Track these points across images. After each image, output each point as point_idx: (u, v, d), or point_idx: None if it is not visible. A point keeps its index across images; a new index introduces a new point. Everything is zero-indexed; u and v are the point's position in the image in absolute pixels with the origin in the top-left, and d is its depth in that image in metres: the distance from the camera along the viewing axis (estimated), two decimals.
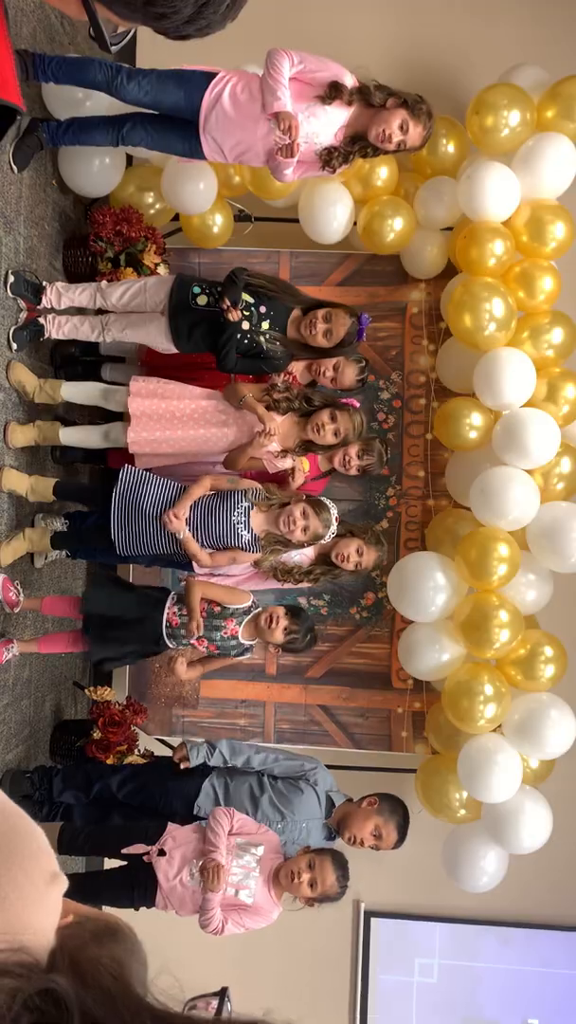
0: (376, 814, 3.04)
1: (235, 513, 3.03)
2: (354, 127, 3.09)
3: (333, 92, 3.00)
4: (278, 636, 3.02)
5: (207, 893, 2.76)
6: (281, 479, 3.28)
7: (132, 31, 0.97)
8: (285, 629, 3.02)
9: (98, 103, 3.34)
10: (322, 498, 3.13)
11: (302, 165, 3.14)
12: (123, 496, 3.07)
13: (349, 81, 3.03)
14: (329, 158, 3.10)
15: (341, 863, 2.84)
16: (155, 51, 3.97)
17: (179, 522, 2.99)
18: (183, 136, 3.12)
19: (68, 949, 0.66)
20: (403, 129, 3.05)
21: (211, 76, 3.04)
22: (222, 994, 2.30)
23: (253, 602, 3.11)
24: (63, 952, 0.64)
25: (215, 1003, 2.25)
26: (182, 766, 3.17)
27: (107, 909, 2.79)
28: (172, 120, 3.14)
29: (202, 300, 3.20)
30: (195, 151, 3.14)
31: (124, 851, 3.00)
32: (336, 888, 2.81)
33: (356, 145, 3.11)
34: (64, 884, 0.76)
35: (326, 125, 3.05)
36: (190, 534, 3.03)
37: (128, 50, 4.23)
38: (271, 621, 3.01)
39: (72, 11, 0.92)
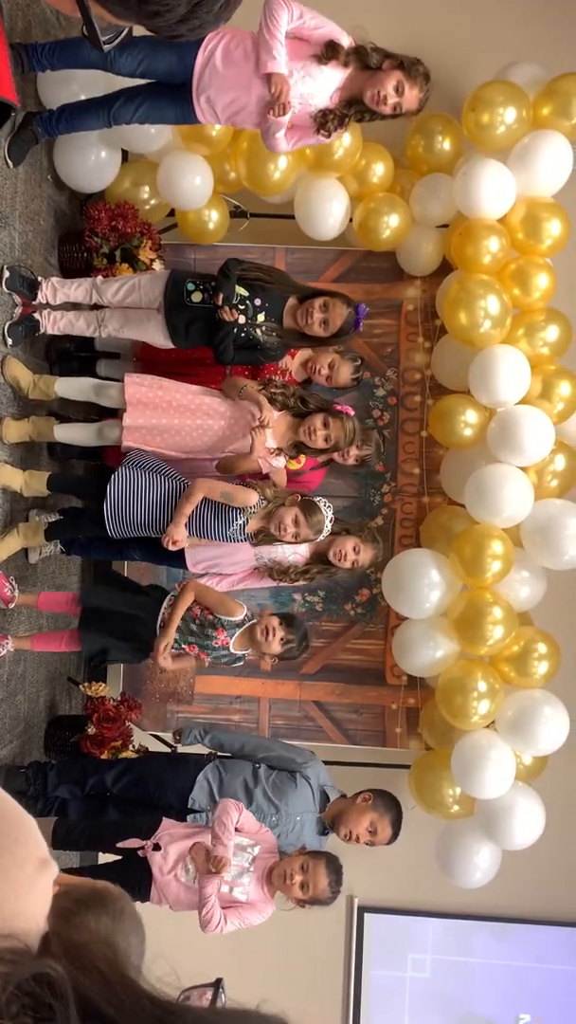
0: (371, 810, 3.06)
1: (231, 528, 3.05)
2: (349, 89, 3.01)
3: (329, 52, 2.92)
4: (275, 647, 3.03)
5: (204, 878, 2.75)
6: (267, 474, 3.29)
7: (125, 29, 0.97)
8: (282, 639, 3.02)
9: (93, 89, 3.31)
10: (316, 499, 3.12)
11: (296, 131, 3.06)
12: (115, 498, 3.07)
13: (346, 41, 2.96)
14: (324, 120, 3.01)
15: (335, 868, 2.84)
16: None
17: (181, 543, 3.01)
18: (175, 101, 3.06)
19: (62, 934, 0.67)
20: (399, 91, 2.97)
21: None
22: (216, 985, 2.31)
23: (246, 615, 3.11)
24: (57, 938, 0.65)
25: (209, 994, 2.26)
26: (179, 749, 3.19)
27: None
28: (162, 87, 3.07)
29: (196, 297, 3.18)
30: (188, 115, 3.07)
31: (119, 845, 3.01)
32: (328, 893, 2.81)
33: (352, 108, 3.03)
34: (55, 871, 0.76)
35: (321, 86, 2.98)
36: (187, 539, 3.05)
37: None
38: (267, 634, 3.02)
39: (66, 8, 0.92)
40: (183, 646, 3.08)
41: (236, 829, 2.88)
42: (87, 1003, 0.58)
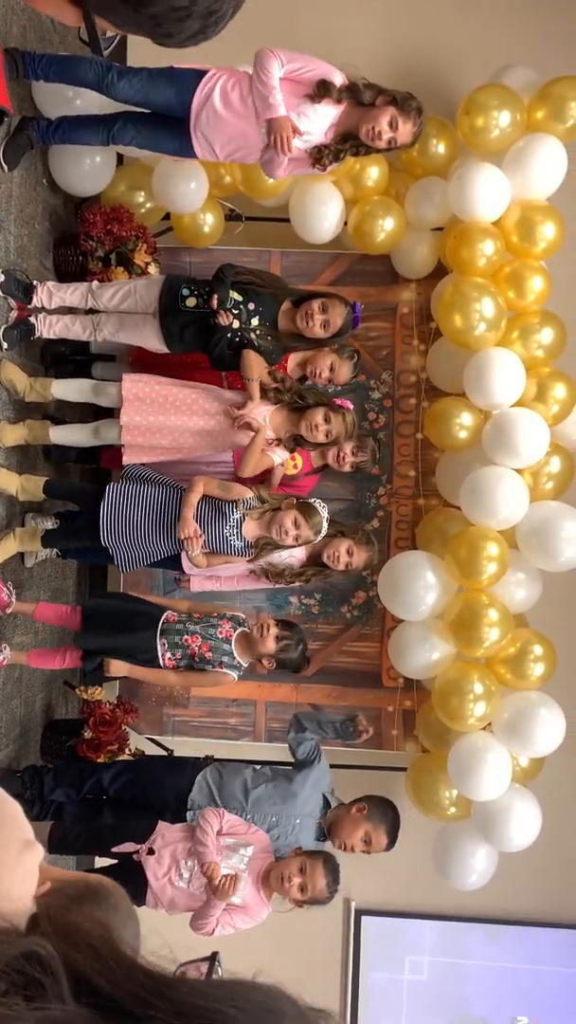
0: (365, 820, 3.05)
1: (227, 527, 3.05)
2: (344, 125, 3.08)
3: (322, 91, 2.98)
4: (270, 644, 3.03)
5: (212, 899, 2.75)
6: (266, 474, 3.29)
7: (117, 36, 0.99)
8: (276, 636, 3.03)
9: (89, 102, 3.34)
10: (312, 501, 3.14)
11: (292, 162, 3.12)
12: (111, 518, 3.08)
13: (338, 79, 3.02)
14: (320, 156, 3.09)
15: (333, 868, 2.84)
16: (146, 49, 3.98)
17: (199, 540, 3.00)
18: (174, 134, 3.12)
19: (51, 914, 0.67)
20: (392, 126, 3.03)
21: (202, 74, 3.03)
22: (212, 958, 2.33)
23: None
24: (47, 917, 0.65)
25: (205, 967, 2.28)
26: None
27: None
28: (163, 118, 3.14)
29: (191, 302, 3.20)
30: (186, 149, 3.14)
31: (114, 850, 3.00)
32: (326, 893, 2.82)
33: (347, 143, 3.09)
34: (40, 852, 0.77)
35: (316, 124, 3.04)
36: (201, 552, 3.05)
37: (119, 48, 4.22)
38: (262, 630, 3.03)
39: (70, 20, 0.93)
40: (185, 637, 3.07)
41: (225, 833, 2.88)
42: (80, 978, 0.59)
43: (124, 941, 0.67)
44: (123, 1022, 0.59)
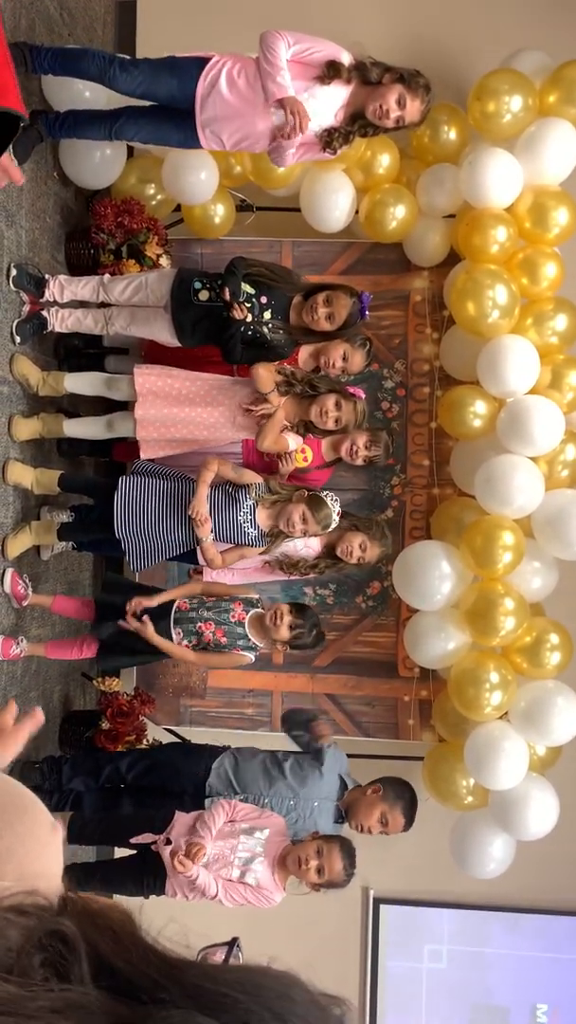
0: (381, 801, 3.06)
1: (240, 513, 3.06)
2: (353, 106, 3.03)
3: (331, 71, 2.93)
4: (283, 633, 3.04)
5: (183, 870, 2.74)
6: (273, 465, 3.29)
7: None
8: (290, 625, 3.03)
9: (98, 96, 3.34)
10: (323, 493, 3.13)
11: (302, 147, 3.08)
12: (125, 512, 3.09)
13: (346, 59, 2.97)
14: (330, 139, 3.05)
15: (349, 851, 2.85)
16: (153, 41, 3.97)
17: (208, 523, 3.01)
18: (178, 126, 3.09)
19: (78, 900, 0.69)
20: (400, 104, 2.98)
21: (204, 62, 2.98)
22: (231, 944, 2.35)
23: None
24: (74, 902, 0.67)
25: (222, 952, 2.30)
26: None
27: (118, 898, 2.81)
28: (167, 111, 3.11)
29: (203, 295, 3.19)
30: (191, 141, 3.10)
31: (132, 841, 3.02)
32: (342, 876, 2.83)
33: (356, 124, 3.05)
34: (61, 832, 0.80)
35: (325, 105, 2.99)
36: (212, 539, 3.04)
37: (128, 40, 4.21)
38: (276, 618, 3.03)
39: None
40: (199, 624, 3.09)
41: (235, 820, 2.89)
42: (99, 959, 0.61)
43: (143, 927, 0.69)
44: (135, 1004, 0.60)
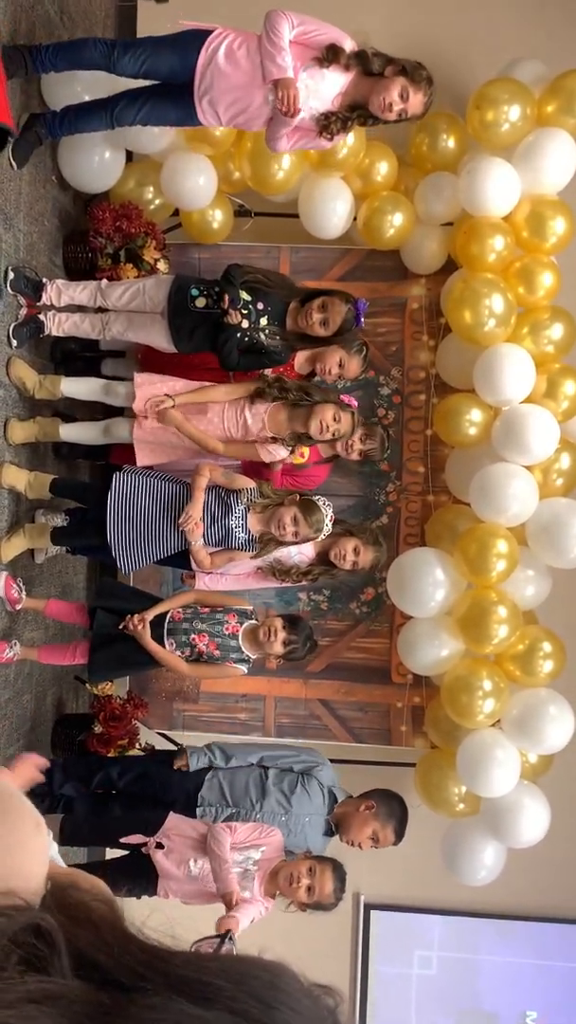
0: (374, 819, 3.06)
1: (231, 518, 3.06)
2: (352, 95, 3.00)
3: (331, 55, 2.90)
4: (278, 648, 3.04)
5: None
6: (266, 470, 3.30)
7: None
8: (284, 641, 3.03)
9: (96, 92, 3.31)
10: (315, 498, 3.12)
11: (298, 132, 3.05)
12: (118, 511, 3.08)
13: (348, 46, 2.95)
14: (327, 124, 3.00)
15: (340, 875, 2.84)
16: (156, 24, 3.96)
17: (198, 529, 3.01)
18: (176, 104, 3.05)
19: (56, 890, 0.69)
20: (403, 97, 2.95)
21: (207, 34, 2.95)
22: (224, 936, 2.34)
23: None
24: (52, 896, 0.67)
25: (214, 944, 2.29)
26: (190, 769, 3.21)
27: None
28: (165, 89, 3.07)
29: (200, 303, 3.19)
30: (190, 117, 3.06)
31: (122, 841, 3.02)
32: (332, 899, 2.81)
33: (354, 112, 3.02)
34: (45, 830, 0.79)
35: (324, 90, 2.96)
36: (203, 542, 3.04)
37: (129, 24, 4.21)
38: (269, 634, 3.03)
39: None
40: (192, 636, 3.08)
41: (238, 844, 2.88)
42: (80, 953, 0.60)
43: (125, 918, 0.69)
44: (117, 994, 0.59)
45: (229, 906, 2.70)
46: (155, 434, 3.24)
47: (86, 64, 3.07)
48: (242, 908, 2.71)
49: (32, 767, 1.32)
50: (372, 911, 4.20)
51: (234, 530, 3.06)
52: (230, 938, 2.38)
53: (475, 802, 3.65)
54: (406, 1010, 4.22)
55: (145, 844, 2.94)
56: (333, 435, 3.15)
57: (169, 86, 3.06)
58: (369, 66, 2.94)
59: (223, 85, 2.95)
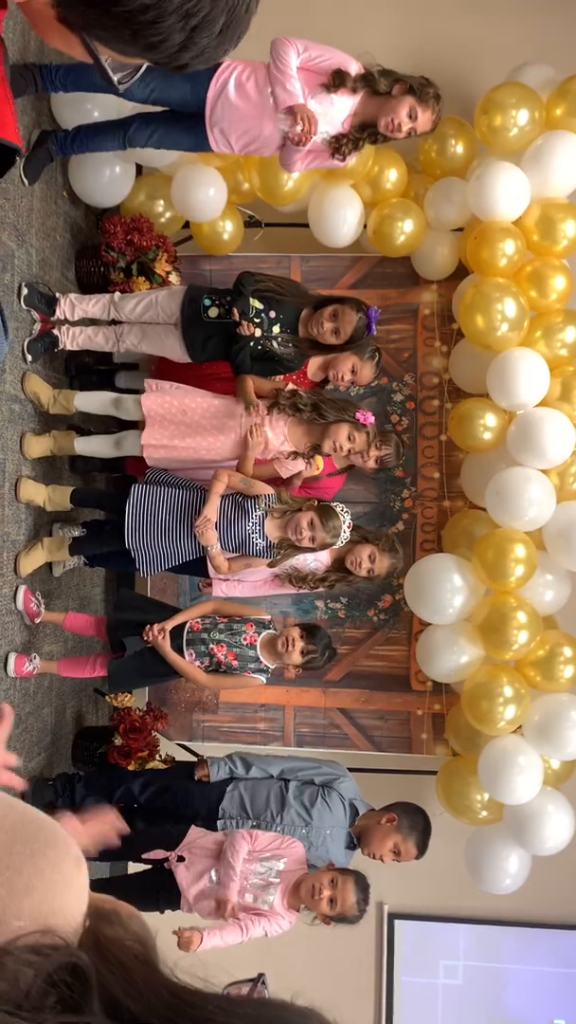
0: (395, 832, 3.05)
1: (249, 524, 3.06)
2: (361, 115, 3.06)
3: (337, 80, 2.96)
4: (296, 657, 3.04)
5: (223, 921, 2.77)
6: (286, 479, 3.30)
7: (143, 66, 0.97)
8: (302, 651, 3.03)
9: (106, 111, 3.36)
10: (333, 504, 3.13)
11: (311, 154, 3.10)
12: (136, 519, 3.09)
13: (354, 68, 2.99)
14: (339, 145, 3.07)
15: (363, 887, 2.82)
16: None
17: (212, 532, 3.00)
18: (189, 130, 3.11)
19: (92, 927, 0.68)
20: (412, 116, 3.02)
21: (216, 66, 3.00)
22: (257, 979, 2.33)
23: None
24: (88, 933, 0.66)
25: (246, 988, 2.28)
26: (211, 779, 3.21)
27: None
28: (178, 115, 3.12)
29: (213, 313, 3.21)
30: (202, 144, 3.12)
31: (144, 856, 3.02)
32: (355, 910, 2.79)
33: (365, 132, 3.08)
34: (86, 869, 0.77)
35: (334, 114, 3.02)
36: (219, 547, 3.05)
37: None
38: (287, 644, 3.03)
39: (77, 53, 0.93)
40: (211, 646, 3.09)
41: (257, 851, 2.88)
42: (110, 995, 0.60)
43: (159, 956, 0.68)
44: None
45: (222, 910, 2.71)
46: (167, 451, 3.24)
47: (95, 87, 3.11)
48: (228, 928, 2.72)
49: (107, 826, 1.26)
50: (396, 921, 4.17)
51: (252, 536, 3.07)
52: (263, 982, 2.37)
53: (498, 809, 3.62)
54: (432, 1020, 4.18)
55: (167, 859, 2.94)
56: (348, 453, 3.16)
57: (180, 113, 3.10)
58: (376, 87, 2.99)
59: (234, 116, 3.01)
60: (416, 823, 3.08)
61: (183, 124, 3.13)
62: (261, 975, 2.39)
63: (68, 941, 0.64)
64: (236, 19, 0.89)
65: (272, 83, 2.93)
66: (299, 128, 2.90)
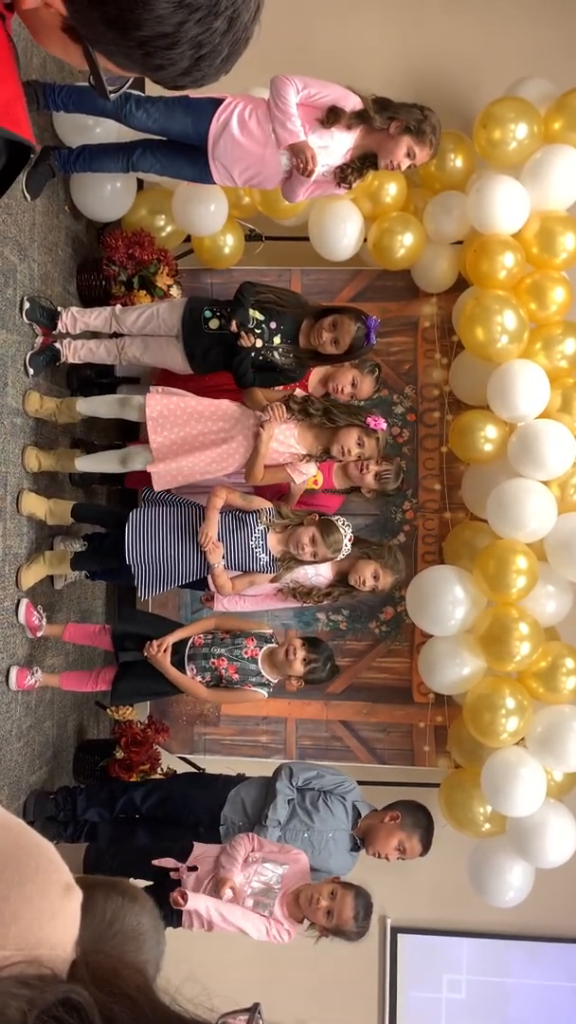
0: (399, 829, 3.05)
1: (252, 539, 3.06)
2: (362, 147, 3.12)
3: (332, 118, 3.03)
4: (298, 668, 3.04)
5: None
6: (284, 489, 3.30)
7: (130, 79, 1.00)
8: (304, 660, 3.03)
9: (108, 130, 3.39)
10: (335, 518, 3.13)
11: (314, 184, 3.17)
12: (136, 543, 3.09)
13: (351, 103, 3.04)
14: (344, 175, 3.15)
15: (364, 903, 2.78)
16: None
17: (218, 550, 3.01)
18: (192, 161, 3.17)
19: (89, 960, 0.66)
20: (410, 155, 3.10)
21: (218, 103, 3.07)
22: (253, 1010, 2.30)
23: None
24: (85, 965, 0.64)
25: (244, 1019, 2.25)
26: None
27: None
28: (182, 145, 3.18)
29: (214, 324, 3.23)
30: (204, 176, 3.19)
31: (155, 863, 2.99)
32: (352, 925, 2.75)
33: (367, 162, 3.15)
34: (79, 895, 0.74)
35: (334, 148, 3.08)
36: (223, 565, 3.04)
37: (138, 80, 4.28)
38: (289, 653, 3.03)
39: (75, 61, 0.95)
40: (212, 660, 3.08)
41: (254, 850, 2.87)
42: None
43: (158, 984, 0.67)
44: None
45: (221, 887, 2.70)
46: (173, 454, 3.24)
47: (98, 111, 3.16)
48: (226, 905, 2.69)
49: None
50: (399, 934, 4.15)
51: (254, 551, 3.07)
52: (259, 1012, 2.35)
53: (501, 822, 3.61)
54: None
55: (175, 869, 2.92)
56: (358, 458, 3.17)
57: (184, 144, 3.14)
58: (372, 124, 3.02)
59: (236, 152, 3.07)
60: (420, 820, 3.09)
61: (187, 156, 3.19)
62: (256, 1004, 2.36)
63: (56, 972, 0.62)
64: (237, 50, 0.93)
65: (273, 122, 2.99)
66: (299, 164, 2.98)
